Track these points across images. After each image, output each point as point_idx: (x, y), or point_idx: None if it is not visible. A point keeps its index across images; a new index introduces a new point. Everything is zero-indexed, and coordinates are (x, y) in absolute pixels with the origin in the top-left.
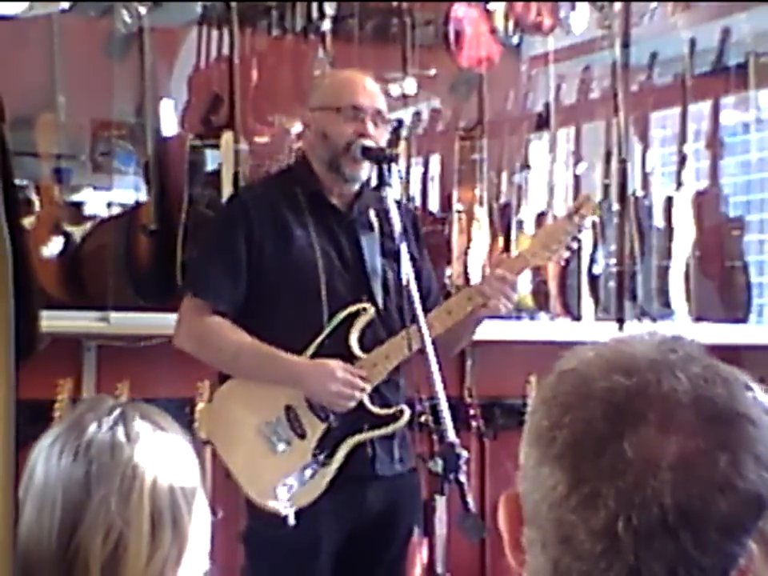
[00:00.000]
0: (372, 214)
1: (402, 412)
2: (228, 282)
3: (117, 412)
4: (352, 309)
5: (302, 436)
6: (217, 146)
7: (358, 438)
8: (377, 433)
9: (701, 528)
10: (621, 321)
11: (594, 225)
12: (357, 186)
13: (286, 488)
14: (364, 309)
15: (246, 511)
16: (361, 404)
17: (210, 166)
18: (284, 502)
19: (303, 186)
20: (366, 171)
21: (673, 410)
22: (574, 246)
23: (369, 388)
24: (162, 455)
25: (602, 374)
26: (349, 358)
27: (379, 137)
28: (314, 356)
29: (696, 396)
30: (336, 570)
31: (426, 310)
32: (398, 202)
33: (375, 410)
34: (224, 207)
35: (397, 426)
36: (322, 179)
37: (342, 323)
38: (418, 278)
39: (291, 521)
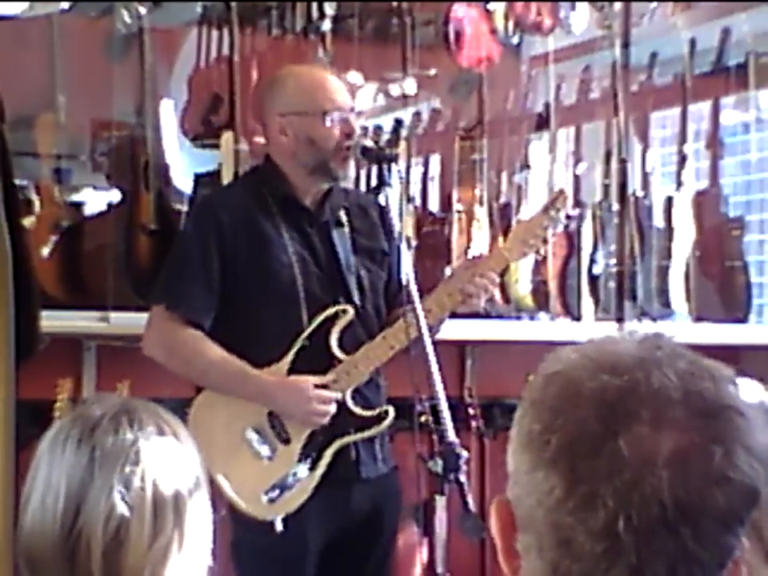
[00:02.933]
0: (342, 212)
1: (386, 413)
2: (202, 294)
3: (122, 404)
4: (331, 311)
5: (287, 441)
6: (217, 146)
7: (343, 440)
8: (362, 435)
9: (699, 522)
10: (621, 321)
11: (594, 224)
12: (325, 186)
13: (273, 494)
14: (343, 310)
15: (232, 520)
16: (345, 406)
17: (209, 166)
18: (271, 509)
19: (272, 188)
20: (352, 168)
21: (665, 407)
22: (552, 239)
23: (341, 397)
24: (166, 444)
25: (590, 374)
26: (329, 359)
27: (359, 128)
28: (294, 359)
29: (686, 391)
30: (321, 571)
31: (397, 305)
32: (365, 195)
33: (359, 411)
34: (195, 216)
35: (382, 427)
36: (294, 182)
37: (322, 325)
38: (389, 272)
39: (279, 527)
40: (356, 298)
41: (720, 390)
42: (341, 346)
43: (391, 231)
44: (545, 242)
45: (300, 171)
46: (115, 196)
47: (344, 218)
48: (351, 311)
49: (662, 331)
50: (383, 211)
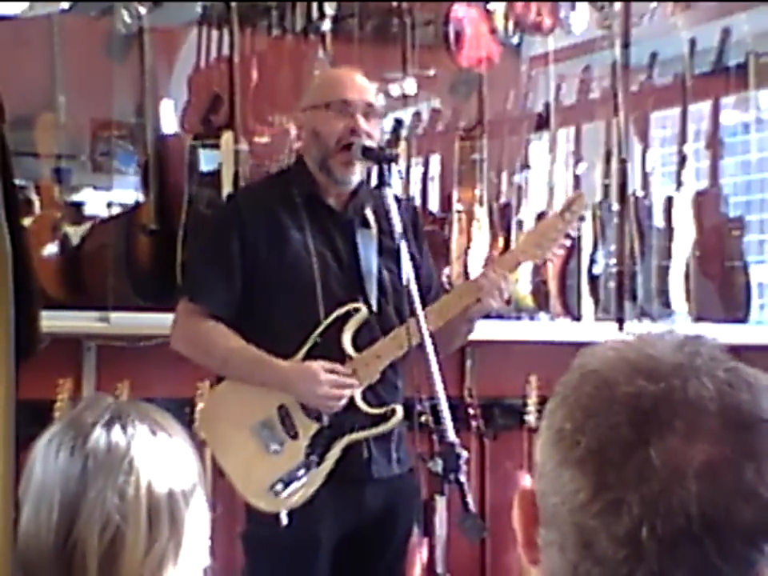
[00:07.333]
0: (369, 212)
1: (393, 411)
2: (223, 287)
3: (113, 410)
4: (343, 309)
5: (295, 436)
6: (217, 146)
7: (350, 438)
8: (368, 433)
9: (725, 536)
10: (621, 321)
11: (594, 224)
12: (352, 187)
13: (278, 488)
14: (356, 309)
15: (245, 512)
16: (353, 404)
17: (209, 166)
18: (276, 503)
19: (299, 187)
20: (359, 173)
21: (699, 418)
22: (567, 243)
23: (358, 385)
24: (160, 451)
25: (626, 378)
26: (341, 358)
27: (372, 131)
28: (306, 356)
29: (722, 402)
30: (335, 569)
31: (424, 308)
32: (399, 199)
33: (367, 409)
34: (218, 211)
35: (388, 425)
36: (318, 180)
37: (335, 323)
38: (417, 275)
39: (284, 521)
40: (373, 298)
41: (757, 403)
42: (355, 344)
43: (421, 237)
44: (559, 245)
45: (315, 167)
46: (115, 196)
47: (371, 219)
48: (364, 310)
49: (702, 334)
50: (416, 216)
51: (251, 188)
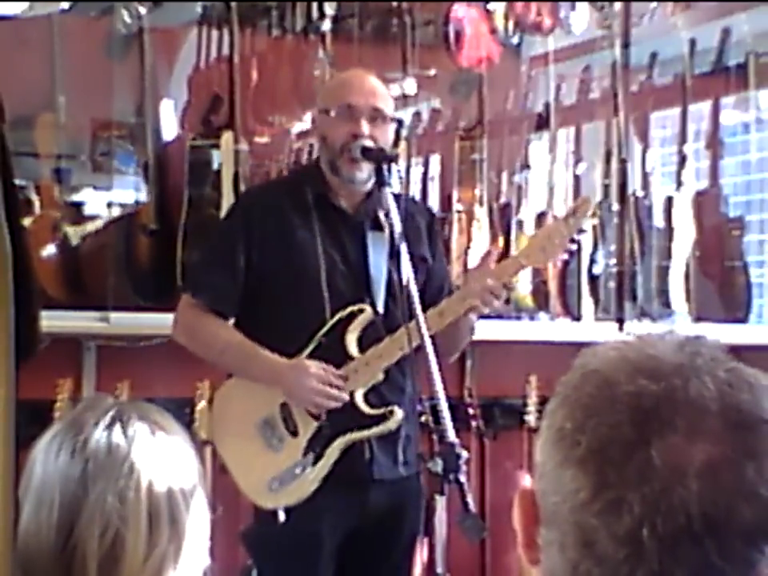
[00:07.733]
0: (382, 215)
1: (392, 413)
2: (225, 284)
3: (114, 411)
4: (347, 310)
5: (295, 433)
6: (217, 146)
7: (349, 437)
8: (366, 433)
9: (725, 536)
10: (621, 321)
11: (593, 225)
12: (366, 188)
13: (276, 485)
14: (360, 310)
15: (253, 509)
16: (353, 404)
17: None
18: (272, 499)
19: (311, 187)
20: (366, 172)
21: (700, 418)
22: (572, 247)
23: (348, 389)
24: (160, 453)
25: (628, 377)
26: (345, 358)
27: (379, 135)
28: (310, 356)
29: (723, 402)
30: (339, 569)
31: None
32: (415, 201)
33: (366, 410)
34: (228, 209)
35: (386, 426)
36: (329, 181)
37: (339, 324)
38: (429, 277)
39: (281, 518)
40: (380, 301)
41: (758, 403)
42: (361, 346)
43: (436, 240)
44: (564, 250)
45: (326, 169)
46: (115, 196)
47: (385, 222)
48: (369, 311)
49: (703, 334)
50: (432, 219)
51: (262, 187)
